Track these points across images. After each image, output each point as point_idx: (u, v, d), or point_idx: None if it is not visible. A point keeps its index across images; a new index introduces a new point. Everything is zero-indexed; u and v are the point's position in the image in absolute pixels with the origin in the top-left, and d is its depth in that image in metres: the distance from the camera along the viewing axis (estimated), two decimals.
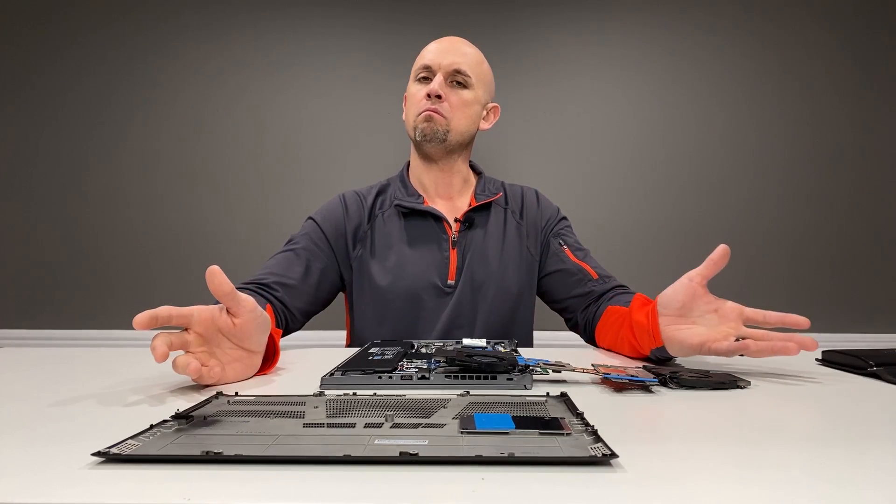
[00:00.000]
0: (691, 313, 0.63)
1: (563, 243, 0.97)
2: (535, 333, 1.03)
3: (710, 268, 0.62)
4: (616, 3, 1.70)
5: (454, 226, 0.94)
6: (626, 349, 0.74)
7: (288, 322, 0.86)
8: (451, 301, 0.90)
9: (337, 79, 1.67)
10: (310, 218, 0.96)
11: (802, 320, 0.58)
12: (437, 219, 0.93)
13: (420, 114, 0.91)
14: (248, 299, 0.54)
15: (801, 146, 1.72)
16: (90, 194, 1.62)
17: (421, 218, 0.94)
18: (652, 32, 1.70)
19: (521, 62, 1.69)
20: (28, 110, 1.62)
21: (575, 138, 1.69)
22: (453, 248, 0.92)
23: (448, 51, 0.92)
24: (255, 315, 0.54)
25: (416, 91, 0.93)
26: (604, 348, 0.82)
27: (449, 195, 0.97)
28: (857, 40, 1.72)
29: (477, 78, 0.93)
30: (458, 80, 0.92)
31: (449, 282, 0.91)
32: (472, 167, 1.03)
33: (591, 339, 0.89)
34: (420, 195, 0.96)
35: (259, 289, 0.84)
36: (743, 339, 0.59)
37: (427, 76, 0.92)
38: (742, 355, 0.59)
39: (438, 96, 0.90)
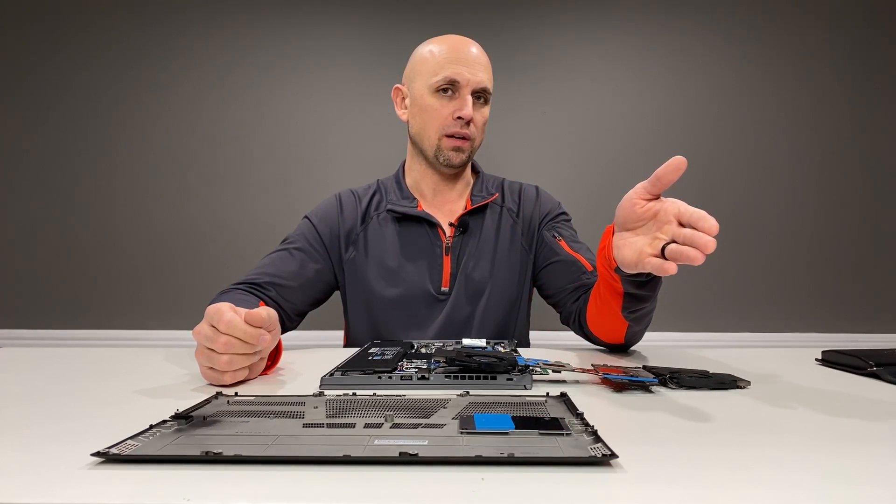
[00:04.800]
0: (632, 223, 0.57)
1: (557, 235, 0.94)
2: (535, 333, 1.02)
3: (654, 183, 0.55)
4: (616, 4, 1.70)
5: (448, 231, 0.91)
6: (601, 306, 0.71)
7: (283, 322, 0.85)
8: (444, 308, 0.89)
9: (333, 78, 1.66)
10: (305, 217, 0.95)
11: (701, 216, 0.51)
12: (432, 224, 0.91)
13: (445, 137, 0.88)
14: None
15: (802, 146, 1.72)
16: (88, 193, 1.62)
17: (415, 223, 0.91)
18: (653, 31, 1.70)
19: (521, 61, 1.68)
20: (24, 110, 1.61)
21: (576, 138, 1.69)
22: (447, 255, 0.90)
23: (474, 64, 0.87)
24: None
25: (439, 106, 0.87)
26: (594, 332, 0.78)
27: (446, 199, 0.95)
28: (859, 39, 1.72)
29: (492, 90, 0.91)
30: (479, 93, 0.88)
31: (443, 289, 0.90)
32: (471, 165, 1.01)
33: (582, 327, 0.84)
34: (415, 198, 0.93)
35: (252, 289, 0.83)
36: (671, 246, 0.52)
37: (450, 89, 0.87)
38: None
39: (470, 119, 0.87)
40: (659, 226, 0.55)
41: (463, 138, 0.88)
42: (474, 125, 0.89)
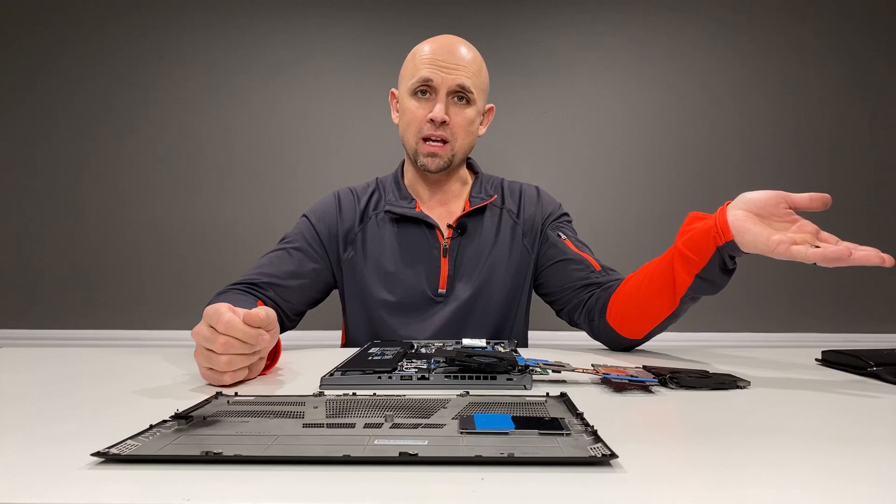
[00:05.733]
0: (768, 215, 0.61)
1: (563, 235, 0.93)
2: (534, 333, 1.02)
3: (804, 198, 0.60)
4: (616, 4, 1.70)
5: (446, 232, 0.91)
6: (654, 292, 0.72)
7: (282, 321, 0.85)
8: (441, 310, 0.88)
9: (337, 80, 1.66)
10: (304, 216, 0.94)
11: (876, 257, 0.53)
12: (430, 226, 0.90)
13: (421, 140, 0.87)
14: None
15: (800, 146, 1.72)
16: (90, 194, 1.62)
17: (413, 224, 0.90)
18: (653, 34, 1.70)
19: (521, 63, 1.69)
20: (28, 112, 1.62)
21: (576, 138, 1.69)
22: (444, 257, 0.89)
23: (450, 64, 0.85)
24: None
25: (414, 108, 0.87)
26: (613, 323, 0.78)
27: (444, 200, 0.94)
28: (855, 39, 1.72)
29: (478, 90, 0.88)
30: (459, 94, 0.86)
31: (440, 291, 0.89)
32: (470, 166, 1.00)
33: (592, 319, 0.84)
34: (413, 199, 0.92)
35: (249, 288, 0.83)
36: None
37: (426, 90, 0.86)
38: (814, 264, 0.55)
39: (444, 121, 0.85)
40: (798, 231, 0.60)
41: (439, 142, 0.86)
42: (452, 127, 0.86)
